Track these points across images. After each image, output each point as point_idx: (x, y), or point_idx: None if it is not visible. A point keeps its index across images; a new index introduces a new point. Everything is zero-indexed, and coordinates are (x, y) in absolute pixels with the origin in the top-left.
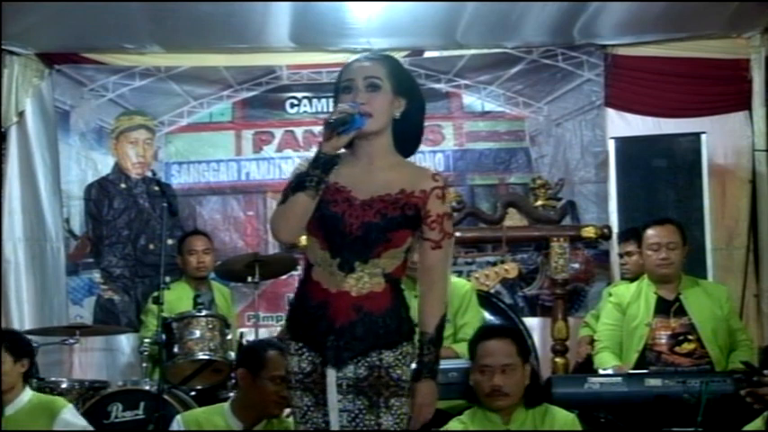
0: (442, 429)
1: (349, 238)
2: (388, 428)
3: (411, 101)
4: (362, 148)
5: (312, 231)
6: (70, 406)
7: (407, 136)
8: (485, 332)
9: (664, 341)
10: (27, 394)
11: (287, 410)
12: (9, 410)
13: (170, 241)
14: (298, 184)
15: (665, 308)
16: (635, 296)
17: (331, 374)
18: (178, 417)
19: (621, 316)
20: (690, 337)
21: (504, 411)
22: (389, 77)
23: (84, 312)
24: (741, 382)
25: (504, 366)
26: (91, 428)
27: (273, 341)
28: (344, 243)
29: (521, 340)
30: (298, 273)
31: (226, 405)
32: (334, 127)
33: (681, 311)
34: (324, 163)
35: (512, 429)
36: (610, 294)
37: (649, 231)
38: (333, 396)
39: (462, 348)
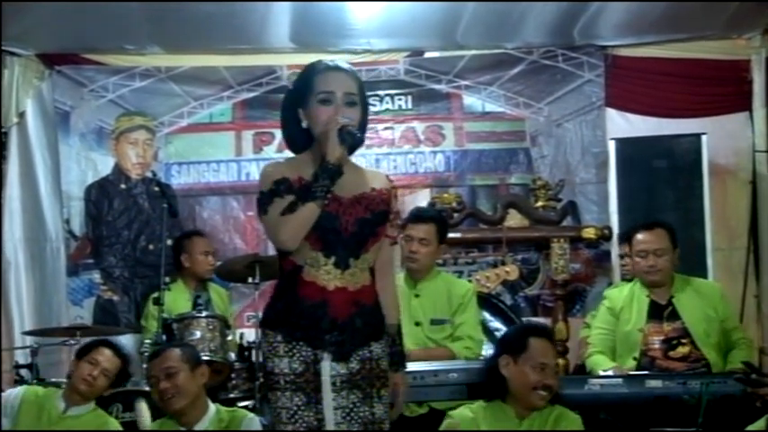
0: (450, 413)
1: (344, 235)
2: (381, 417)
3: (364, 110)
4: None
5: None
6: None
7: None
8: (533, 329)
9: (657, 346)
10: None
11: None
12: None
13: (170, 242)
14: (306, 194)
15: (658, 312)
16: (628, 300)
17: (325, 372)
18: None
19: (615, 320)
20: (683, 340)
21: (525, 411)
22: (360, 92)
23: (83, 313)
24: (740, 382)
25: (555, 367)
26: None
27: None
28: (339, 241)
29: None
30: None
31: None
32: (354, 144)
33: (674, 315)
34: (332, 173)
35: (523, 428)
36: (604, 297)
37: (637, 237)
38: (328, 394)
39: (459, 348)
